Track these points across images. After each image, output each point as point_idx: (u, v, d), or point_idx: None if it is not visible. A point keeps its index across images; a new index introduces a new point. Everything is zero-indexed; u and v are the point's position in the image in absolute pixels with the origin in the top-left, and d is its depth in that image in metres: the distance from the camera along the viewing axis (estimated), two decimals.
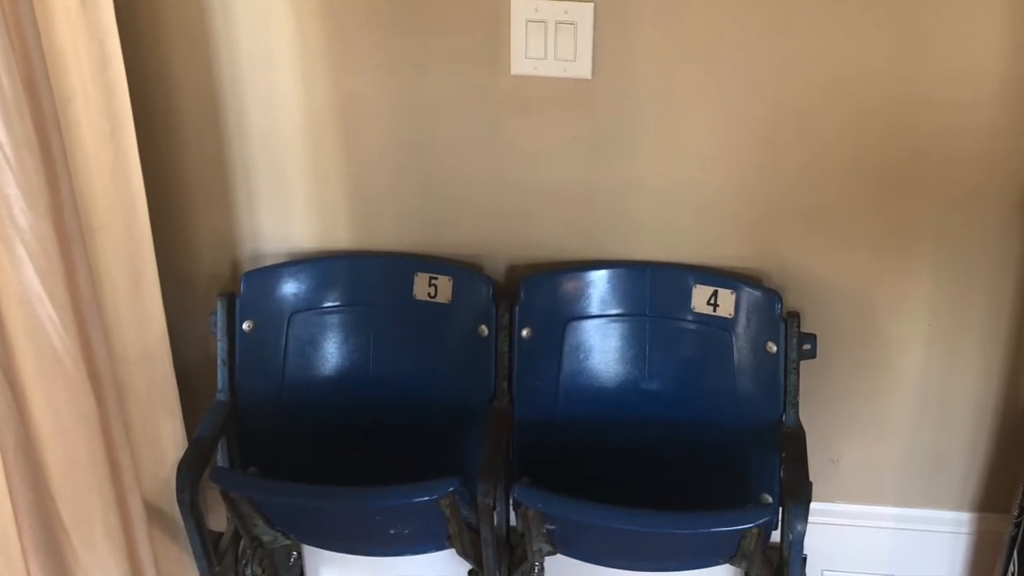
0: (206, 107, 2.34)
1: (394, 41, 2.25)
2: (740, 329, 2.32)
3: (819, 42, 2.15)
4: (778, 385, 2.30)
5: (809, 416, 2.36)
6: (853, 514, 2.61)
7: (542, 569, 2.39)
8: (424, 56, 2.25)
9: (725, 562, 2.21)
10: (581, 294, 2.37)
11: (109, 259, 2.15)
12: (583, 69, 2.21)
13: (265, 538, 2.36)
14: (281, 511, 2.27)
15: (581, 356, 2.38)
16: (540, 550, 2.23)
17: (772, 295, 2.30)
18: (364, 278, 2.45)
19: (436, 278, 2.40)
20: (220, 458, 2.41)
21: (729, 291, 2.32)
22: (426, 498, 2.08)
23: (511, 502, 2.29)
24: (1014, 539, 2.33)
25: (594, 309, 2.37)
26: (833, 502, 2.60)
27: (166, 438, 2.38)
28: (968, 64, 2.12)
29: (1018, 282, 2.31)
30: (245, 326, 2.41)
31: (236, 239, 2.48)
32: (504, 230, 2.41)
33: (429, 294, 2.41)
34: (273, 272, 2.44)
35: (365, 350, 2.45)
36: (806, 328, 2.32)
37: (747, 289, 2.31)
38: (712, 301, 2.32)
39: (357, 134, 2.35)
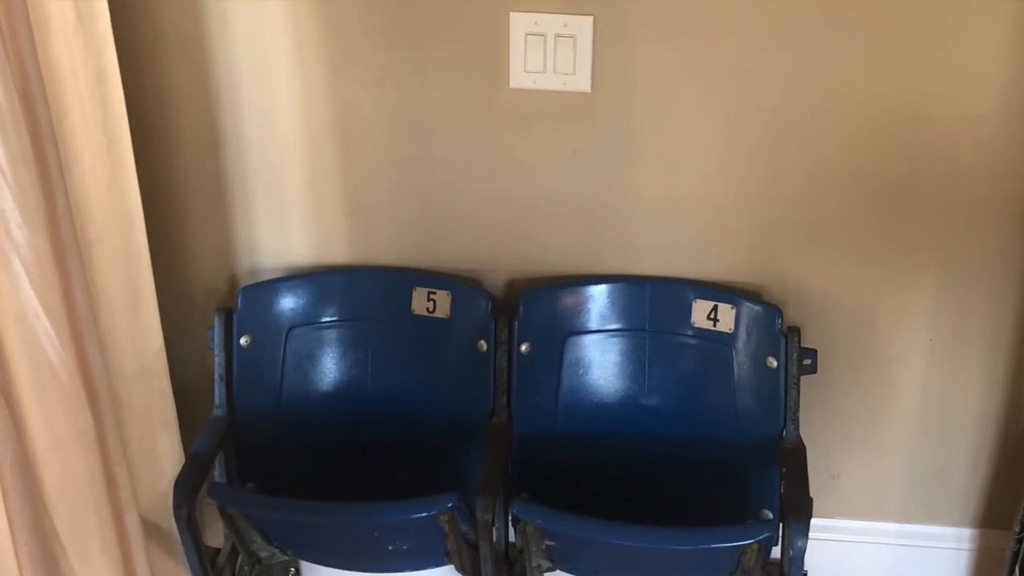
0: (203, 121, 2.34)
1: (392, 55, 2.24)
2: (740, 344, 2.31)
3: (819, 56, 2.14)
4: (778, 400, 2.29)
5: (810, 431, 2.35)
6: (854, 530, 2.60)
7: None
8: (422, 70, 2.25)
9: None
10: (580, 309, 2.36)
11: (106, 273, 2.15)
12: (582, 83, 2.21)
13: (263, 554, 2.35)
14: (279, 527, 2.26)
15: (580, 371, 2.37)
16: (539, 566, 2.22)
17: (772, 310, 2.29)
18: (362, 293, 2.44)
19: (435, 293, 2.40)
20: (217, 473, 2.40)
21: (729, 306, 2.31)
22: (425, 514, 2.08)
23: (510, 518, 2.28)
24: (1016, 555, 2.32)
25: (593, 324, 2.36)
26: (834, 518, 2.59)
27: (163, 453, 2.38)
28: (969, 78, 2.12)
29: (1020, 297, 2.30)
30: (243, 341, 2.40)
31: (234, 253, 2.47)
32: (503, 244, 2.40)
33: (428, 309, 2.40)
34: (271, 287, 2.43)
35: (363, 365, 2.44)
36: (807, 343, 2.32)
37: (747, 304, 2.31)
38: (712, 316, 2.31)
39: (355, 148, 2.34)
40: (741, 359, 2.31)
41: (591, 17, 2.15)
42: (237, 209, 2.42)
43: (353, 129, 2.32)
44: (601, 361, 2.37)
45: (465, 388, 2.40)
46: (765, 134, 2.22)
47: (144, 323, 2.28)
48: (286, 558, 2.41)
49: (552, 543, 2.15)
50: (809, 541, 2.07)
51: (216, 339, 2.39)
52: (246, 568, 2.35)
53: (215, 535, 2.42)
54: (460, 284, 2.40)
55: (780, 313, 2.29)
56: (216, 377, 2.40)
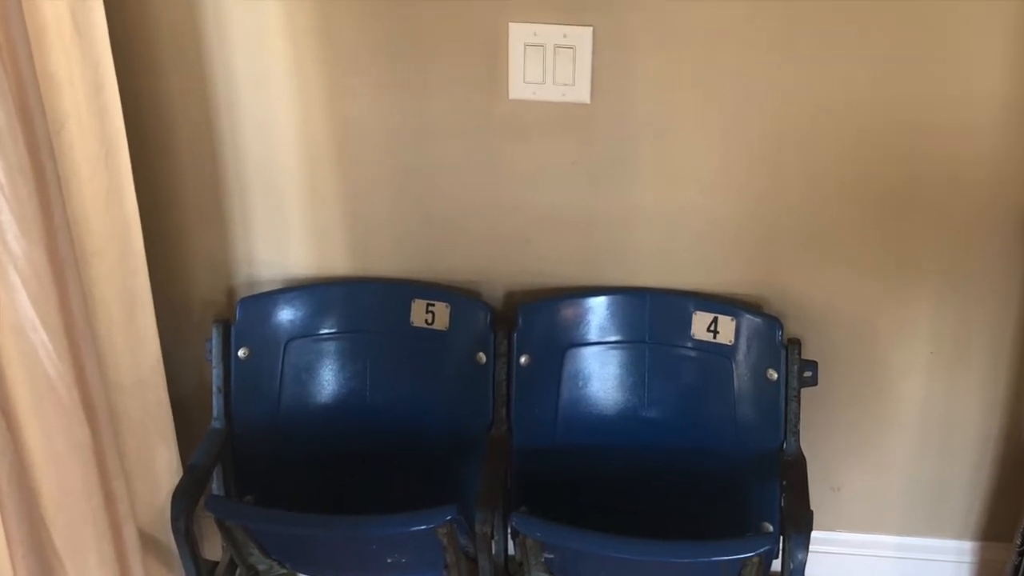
0: (201, 132, 2.33)
1: (391, 65, 2.24)
2: (740, 356, 2.30)
3: (819, 67, 2.14)
4: (779, 413, 2.29)
5: (810, 444, 2.35)
6: (854, 543, 2.60)
7: None
8: (421, 80, 2.24)
9: None
10: (580, 321, 2.36)
11: (103, 285, 2.14)
12: (582, 93, 2.20)
13: (261, 567, 2.34)
14: (277, 540, 2.25)
15: (580, 383, 2.36)
16: None
17: (773, 322, 2.29)
18: (361, 305, 2.43)
19: (433, 304, 2.39)
20: (215, 486, 2.40)
21: (729, 318, 2.30)
22: (423, 527, 2.07)
23: (509, 531, 2.28)
24: (1017, 568, 2.32)
25: (593, 336, 2.36)
26: (834, 531, 2.59)
27: (161, 466, 2.37)
28: (970, 88, 2.11)
29: (1021, 308, 2.30)
30: (241, 353, 2.39)
31: (232, 265, 2.47)
32: (502, 256, 2.40)
33: (426, 321, 2.39)
34: (269, 298, 2.42)
35: (362, 377, 2.44)
36: (807, 355, 2.31)
37: (747, 316, 2.30)
38: (712, 328, 2.31)
39: (354, 159, 2.34)
40: (741, 371, 2.31)
41: (590, 28, 2.15)
42: (235, 220, 2.42)
43: (352, 140, 2.32)
44: (601, 373, 2.36)
45: (464, 400, 2.39)
46: (765, 145, 2.22)
47: (142, 335, 2.27)
48: (284, 571, 2.40)
49: (551, 556, 2.14)
50: (809, 554, 2.07)
51: (214, 351, 2.38)
52: None
53: (213, 548, 2.42)
54: (459, 296, 2.40)
55: (780, 325, 2.28)
56: (214, 389, 2.39)
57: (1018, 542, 2.33)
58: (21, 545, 1.87)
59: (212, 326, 2.38)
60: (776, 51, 2.13)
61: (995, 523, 2.54)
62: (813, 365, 2.30)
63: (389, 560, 2.22)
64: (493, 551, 2.19)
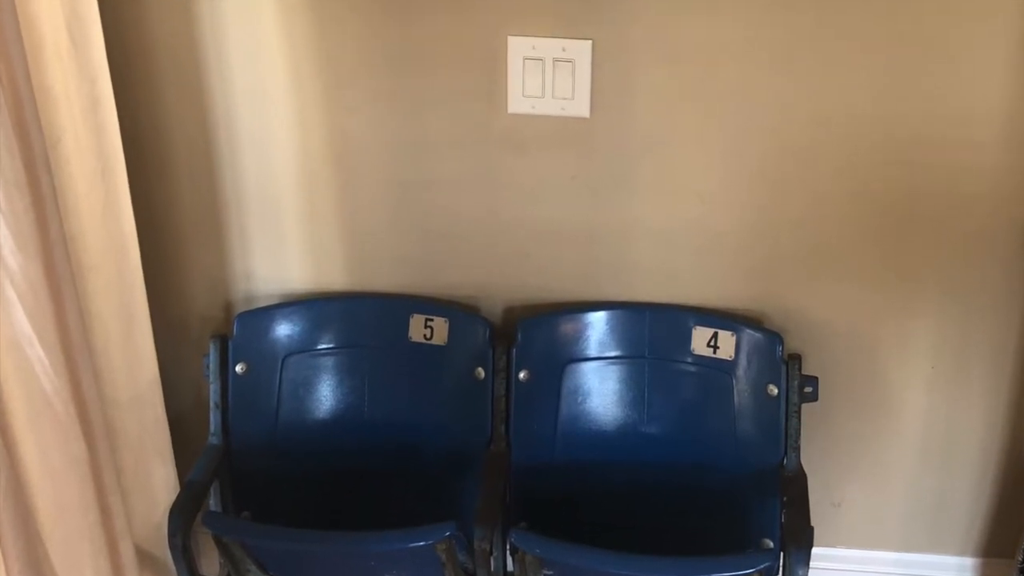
0: (199, 147, 2.33)
1: (389, 80, 2.24)
2: (740, 371, 2.30)
3: (819, 81, 2.13)
4: (779, 428, 2.28)
5: (810, 459, 2.34)
6: (855, 559, 2.60)
7: None
8: (420, 95, 2.24)
9: None
10: (579, 336, 2.35)
11: (100, 301, 2.14)
12: (581, 107, 2.20)
13: None
14: (275, 556, 2.24)
15: (579, 399, 2.36)
16: None
17: (773, 337, 2.28)
18: (359, 320, 2.43)
19: (432, 320, 2.38)
20: (213, 502, 2.39)
21: (729, 333, 2.30)
22: (422, 543, 2.06)
23: (508, 547, 2.26)
24: None
25: (592, 351, 2.35)
26: (835, 547, 2.59)
27: (158, 482, 2.37)
28: (971, 103, 2.11)
29: (1022, 323, 2.29)
30: (238, 368, 2.38)
31: (229, 280, 2.46)
32: (501, 271, 2.39)
33: (425, 336, 2.39)
34: (267, 314, 2.42)
35: (360, 393, 2.43)
36: (807, 370, 2.31)
37: (748, 331, 2.30)
38: (712, 343, 2.30)
39: (352, 173, 2.33)
40: (741, 387, 2.30)
41: (590, 41, 2.14)
42: (233, 235, 2.41)
43: (350, 154, 2.31)
44: (600, 389, 2.36)
45: (463, 416, 2.39)
46: (765, 159, 2.22)
47: (139, 350, 2.27)
48: None
49: (550, 572, 2.13)
50: (810, 570, 2.07)
51: (211, 366, 2.37)
52: None
53: (210, 564, 2.42)
54: (458, 311, 2.39)
55: (781, 340, 2.28)
56: (211, 405, 2.38)
57: (1019, 559, 2.32)
58: (17, 561, 1.86)
59: (210, 341, 2.38)
60: (777, 66, 2.13)
61: (996, 539, 2.53)
62: (814, 380, 2.29)
63: None
64: (492, 567, 2.19)
